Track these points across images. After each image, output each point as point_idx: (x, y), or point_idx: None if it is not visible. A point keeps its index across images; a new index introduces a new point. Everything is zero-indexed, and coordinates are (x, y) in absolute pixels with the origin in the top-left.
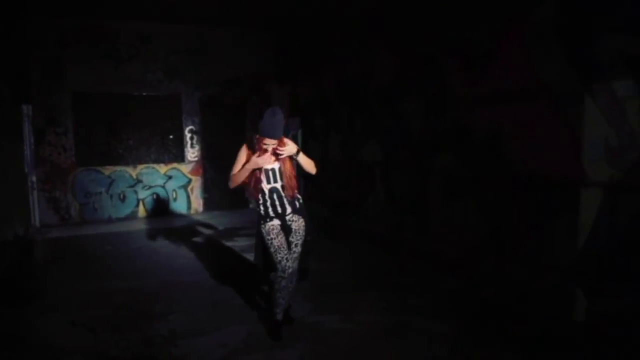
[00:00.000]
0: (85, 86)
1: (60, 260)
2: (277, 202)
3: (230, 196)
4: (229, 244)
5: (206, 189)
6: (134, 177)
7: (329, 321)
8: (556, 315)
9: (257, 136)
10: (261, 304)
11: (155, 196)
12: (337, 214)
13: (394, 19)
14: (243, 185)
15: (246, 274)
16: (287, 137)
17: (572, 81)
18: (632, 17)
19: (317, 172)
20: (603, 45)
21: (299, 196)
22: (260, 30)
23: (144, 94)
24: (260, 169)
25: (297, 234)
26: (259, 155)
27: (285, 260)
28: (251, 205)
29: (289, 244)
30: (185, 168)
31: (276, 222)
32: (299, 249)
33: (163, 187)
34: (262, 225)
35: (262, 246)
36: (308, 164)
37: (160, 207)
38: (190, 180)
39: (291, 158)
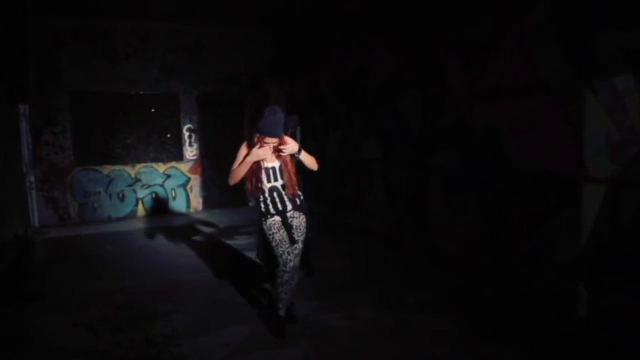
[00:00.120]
0: (82, 85)
1: (61, 260)
2: (277, 200)
3: (229, 194)
4: (229, 242)
5: (205, 187)
6: (133, 176)
7: (332, 319)
8: (558, 311)
9: (257, 135)
10: (263, 302)
11: (154, 195)
12: (337, 211)
13: (392, 15)
14: (243, 182)
15: (247, 272)
16: (286, 134)
17: (572, 76)
18: (631, 12)
19: (318, 169)
20: (602, 40)
21: (299, 193)
22: (258, 28)
23: (142, 92)
24: (260, 168)
25: (299, 230)
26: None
27: (286, 254)
28: (250, 204)
29: (290, 240)
30: (184, 167)
31: (277, 218)
32: (300, 245)
33: (162, 186)
34: (263, 222)
35: (264, 242)
36: (310, 161)
37: (159, 206)
38: (189, 179)
39: (292, 156)
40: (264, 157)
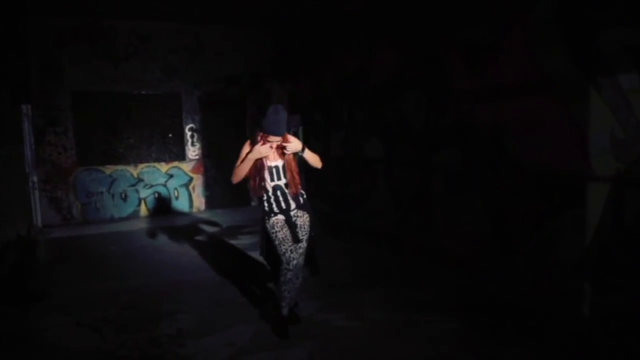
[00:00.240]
0: (84, 85)
1: (64, 260)
2: (281, 199)
3: (232, 194)
4: (232, 242)
5: (208, 187)
6: (135, 176)
7: (336, 319)
8: (563, 311)
9: (261, 134)
10: (267, 301)
11: (156, 195)
12: (340, 211)
13: (394, 14)
14: (246, 180)
15: (251, 272)
16: (288, 133)
17: (576, 74)
18: (636, 8)
19: (322, 167)
20: (606, 37)
21: (302, 192)
22: (259, 27)
23: (144, 92)
24: (263, 167)
25: (302, 229)
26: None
27: (289, 252)
28: (253, 203)
29: (294, 239)
30: (186, 166)
31: (280, 217)
32: (304, 244)
33: (164, 185)
34: (267, 220)
35: (267, 241)
36: (314, 159)
37: (162, 206)
38: (191, 179)
39: (295, 154)
40: (266, 154)
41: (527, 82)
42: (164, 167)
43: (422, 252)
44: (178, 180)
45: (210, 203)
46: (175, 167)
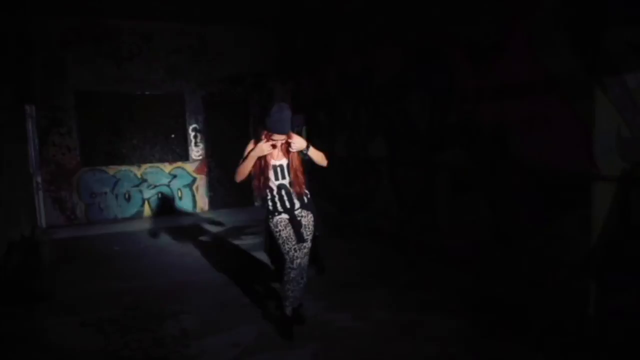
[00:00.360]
0: (87, 86)
1: (68, 261)
2: (285, 198)
3: (235, 194)
4: (236, 242)
5: (211, 187)
6: (139, 176)
7: (341, 319)
8: (568, 311)
9: (265, 132)
10: (271, 302)
11: (160, 195)
12: (344, 211)
13: (398, 12)
14: (249, 180)
15: (255, 272)
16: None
17: (582, 73)
18: None
19: (327, 165)
20: (612, 36)
21: (306, 192)
22: (262, 27)
23: (147, 93)
24: (268, 166)
25: (307, 229)
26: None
27: (293, 252)
28: (257, 204)
29: (298, 238)
30: (189, 167)
31: (284, 216)
32: (308, 244)
33: (168, 186)
34: (270, 219)
35: (271, 240)
36: (319, 157)
37: (165, 206)
38: (195, 179)
39: (300, 153)
40: (267, 152)
41: (531, 82)
42: (167, 167)
43: (427, 251)
44: (181, 180)
45: (214, 203)
46: (179, 167)
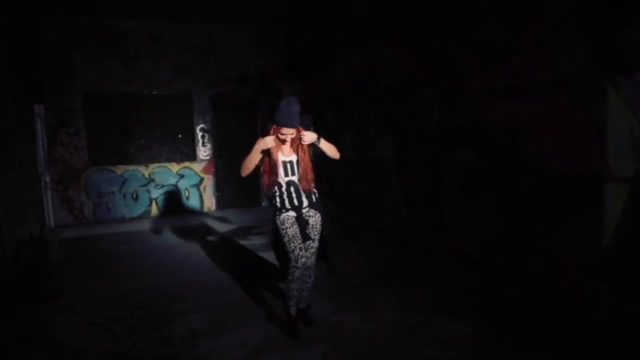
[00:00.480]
0: (95, 86)
1: (76, 260)
2: (293, 195)
3: (242, 194)
4: (243, 242)
5: (218, 187)
6: (147, 176)
7: (350, 320)
8: (579, 313)
9: (274, 127)
10: (278, 302)
11: (167, 195)
12: (352, 211)
13: (406, 12)
14: (257, 180)
15: (262, 272)
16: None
17: (594, 73)
18: None
19: (340, 157)
20: (626, 36)
21: (315, 190)
22: (270, 27)
23: (155, 93)
24: (277, 163)
25: (314, 229)
26: (276, 146)
27: (298, 250)
28: (264, 204)
29: (304, 237)
30: (197, 167)
31: (291, 213)
32: (316, 243)
33: (175, 185)
34: (277, 216)
35: (276, 237)
36: (330, 150)
37: (173, 206)
38: (202, 179)
39: (312, 146)
40: (271, 145)
41: (543, 81)
42: (175, 167)
43: (435, 252)
44: (189, 180)
45: (221, 203)
46: (186, 167)
